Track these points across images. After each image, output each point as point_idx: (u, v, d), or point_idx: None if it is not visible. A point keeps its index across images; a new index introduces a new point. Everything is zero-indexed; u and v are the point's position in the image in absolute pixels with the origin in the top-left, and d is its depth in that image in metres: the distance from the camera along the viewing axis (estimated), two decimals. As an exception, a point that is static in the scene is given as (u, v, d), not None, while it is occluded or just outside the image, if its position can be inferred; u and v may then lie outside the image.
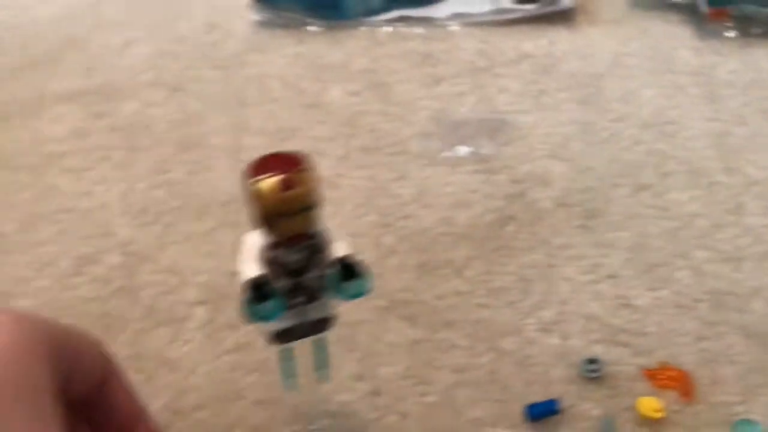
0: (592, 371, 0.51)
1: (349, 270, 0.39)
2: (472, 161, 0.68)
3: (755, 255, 0.59)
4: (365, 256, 0.61)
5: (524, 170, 0.67)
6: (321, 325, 0.43)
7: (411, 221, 0.65)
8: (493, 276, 0.59)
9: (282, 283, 0.39)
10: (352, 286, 0.40)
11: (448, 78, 0.78)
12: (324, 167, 0.61)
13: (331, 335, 0.45)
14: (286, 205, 0.34)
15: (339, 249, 0.39)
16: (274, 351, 0.45)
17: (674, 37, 0.81)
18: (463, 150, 0.69)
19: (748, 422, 0.48)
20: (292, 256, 0.38)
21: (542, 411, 0.50)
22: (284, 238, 0.37)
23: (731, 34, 0.78)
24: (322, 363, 0.46)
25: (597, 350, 0.53)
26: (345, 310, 0.44)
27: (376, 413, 0.51)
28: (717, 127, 0.70)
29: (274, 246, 0.37)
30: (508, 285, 0.58)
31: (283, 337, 0.42)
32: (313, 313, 0.42)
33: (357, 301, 0.41)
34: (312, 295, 0.40)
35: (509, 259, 0.60)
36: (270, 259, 0.38)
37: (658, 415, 0.48)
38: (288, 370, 0.45)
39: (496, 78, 0.77)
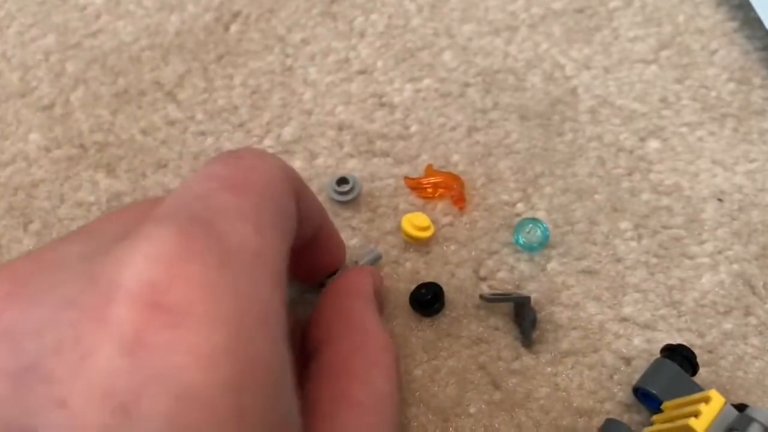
0: (344, 193, 0.40)
1: None
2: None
3: (529, 21, 0.49)
4: (42, 92, 0.46)
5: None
6: None
7: (103, 38, 0.48)
8: (215, 94, 0.45)
9: None
10: None
11: None
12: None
13: None
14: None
15: None
16: None
17: None
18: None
19: (532, 221, 0.39)
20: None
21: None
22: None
23: None
24: None
25: (351, 165, 0.42)
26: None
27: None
28: None
29: None
30: (236, 102, 0.45)
31: None
32: None
33: None
34: None
35: (235, 69, 0.46)
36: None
37: (427, 233, 0.38)
38: None
39: None
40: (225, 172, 0.24)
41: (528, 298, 0.36)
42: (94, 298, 0.19)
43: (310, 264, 0.34)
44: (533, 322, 0.36)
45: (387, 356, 0.29)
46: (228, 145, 0.44)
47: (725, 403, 0.29)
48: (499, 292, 0.38)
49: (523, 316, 0.36)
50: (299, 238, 0.29)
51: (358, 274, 0.33)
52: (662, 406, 0.31)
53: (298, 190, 0.27)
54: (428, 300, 0.37)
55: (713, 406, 0.28)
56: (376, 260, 0.39)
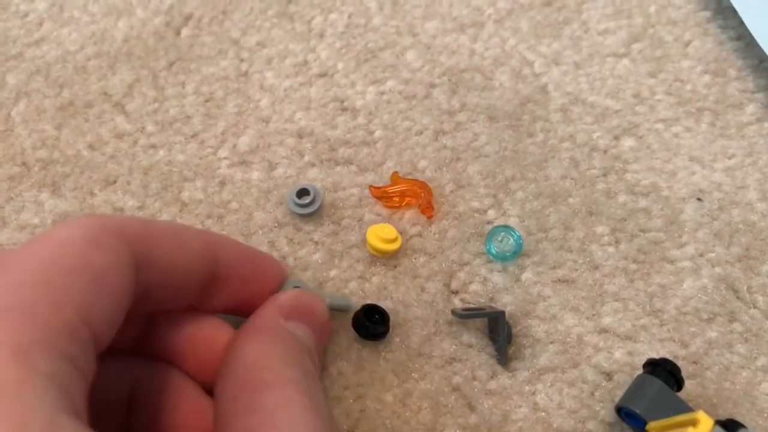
0: (305, 205, 0.38)
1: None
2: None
3: (495, 16, 0.47)
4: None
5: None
6: None
7: (46, 47, 0.45)
8: (166, 103, 0.43)
9: None
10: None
11: None
12: None
13: None
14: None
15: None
16: None
17: None
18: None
19: (504, 229, 0.36)
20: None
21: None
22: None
23: None
24: None
25: (313, 175, 0.39)
26: None
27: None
28: None
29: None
30: (188, 111, 0.42)
31: None
32: None
33: None
34: None
35: (187, 76, 0.44)
36: None
37: (394, 246, 0.36)
38: None
39: None
40: None
41: (502, 313, 0.34)
42: None
43: (232, 303, 0.29)
44: (509, 338, 0.34)
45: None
46: (181, 158, 0.41)
47: (714, 425, 0.27)
48: (471, 306, 0.36)
49: (497, 332, 0.34)
50: (178, 291, 0.26)
51: (271, 306, 0.28)
52: (647, 427, 0.29)
53: (133, 243, 0.23)
54: (373, 323, 0.34)
55: (701, 429, 0.26)
56: (344, 308, 0.35)
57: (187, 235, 0.26)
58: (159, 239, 0.25)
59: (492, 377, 0.34)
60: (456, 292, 0.36)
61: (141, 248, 0.24)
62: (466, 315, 0.34)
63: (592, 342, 0.35)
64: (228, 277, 0.28)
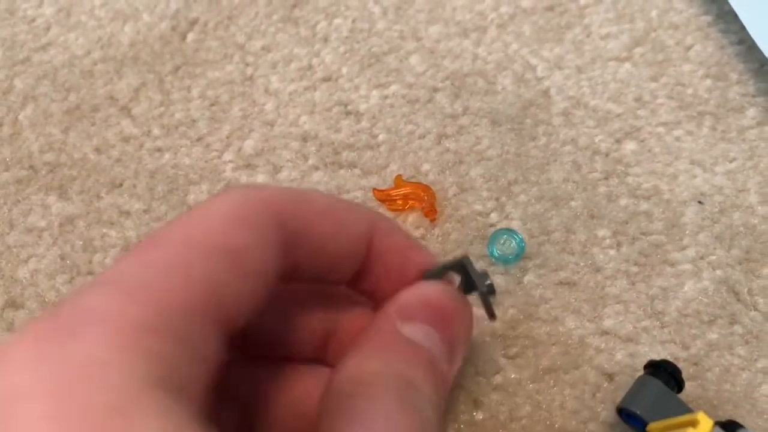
0: (310, 209, 0.38)
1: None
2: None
3: (498, 20, 0.47)
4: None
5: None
6: None
7: (53, 52, 0.46)
8: (172, 107, 0.43)
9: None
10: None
11: None
12: None
13: None
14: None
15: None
16: None
17: None
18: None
19: (507, 232, 0.37)
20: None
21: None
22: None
23: None
24: None
25: (317, 178, 0.40)
26: None
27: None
28: None
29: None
30: (194, 115, 0.43)
31: None
32: None
33: None
34: None
35: (193, 80, 0.44)
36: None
37: (397, 248, 0.36)
38: None
39: None
40: None
41: (465, 257, 0.27)
42: None
43: (375, 291, 0.27)
44: (489, 288, 0.27)
45: None
46: (186, 161, 0.41)
47: (714, 426, 0.27)
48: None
49: (474, 285, 0.27)
50: (329, 272, 0.24)
51: (388, 305, 0.25)
52: (647, 428, 0.30)
53: (283, 219, 0.22)
54: None
55: (701, 430, 0.27)
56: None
57: (344, 216, 0.24)
58: (312, 217, 0.23)
59: (497, 372, 0.34)
60: (459, 294, 0.37)
61: (291, 225, 0.22)
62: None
63: (593, 344, 0.35)
64: (375, 265, 0.26)
